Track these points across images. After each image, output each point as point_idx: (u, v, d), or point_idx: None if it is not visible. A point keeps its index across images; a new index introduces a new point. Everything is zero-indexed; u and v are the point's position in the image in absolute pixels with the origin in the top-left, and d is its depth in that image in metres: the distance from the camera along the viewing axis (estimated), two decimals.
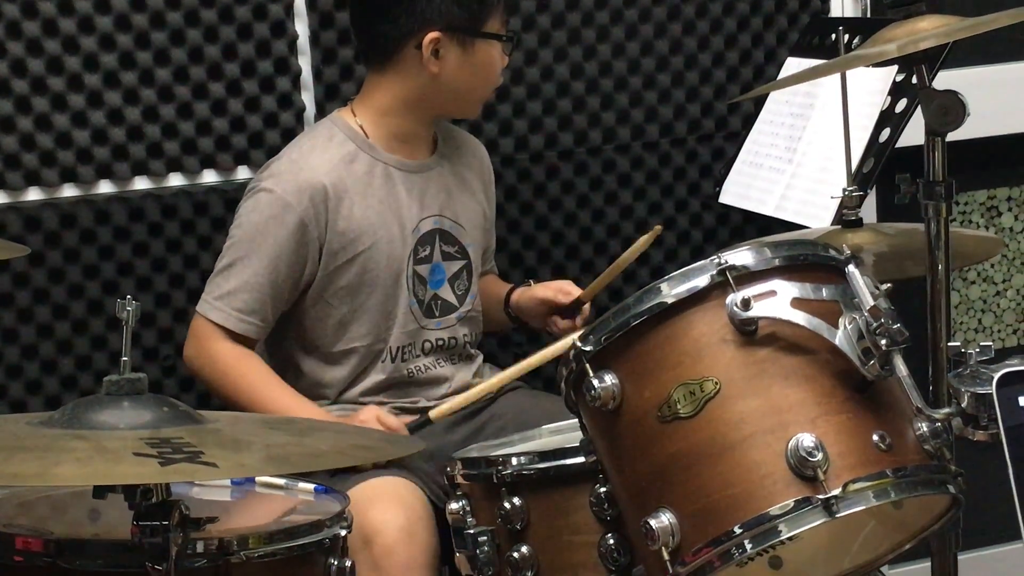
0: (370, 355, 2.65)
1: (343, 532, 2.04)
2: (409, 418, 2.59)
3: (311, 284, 2.61)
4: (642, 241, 2.76)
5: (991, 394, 1.72)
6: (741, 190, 3.09)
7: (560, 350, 2.59)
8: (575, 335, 2.57)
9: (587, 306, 2.75)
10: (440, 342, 2.70)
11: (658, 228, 2.78)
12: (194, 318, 2.63)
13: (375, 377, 2.65)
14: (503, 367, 2.84)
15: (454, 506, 2.18)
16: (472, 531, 2.13)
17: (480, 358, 2.81)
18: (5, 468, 1.47)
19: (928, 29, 2.04)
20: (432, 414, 2.56)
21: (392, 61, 2.62)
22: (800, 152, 2.96)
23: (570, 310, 2.74)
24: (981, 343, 1.86)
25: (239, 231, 2.61)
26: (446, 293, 2.71)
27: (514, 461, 2.12)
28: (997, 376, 1.65)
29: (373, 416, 2.51)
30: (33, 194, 2.85)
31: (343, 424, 2.33)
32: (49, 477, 1.48)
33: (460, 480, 2.19)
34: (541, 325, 2.81)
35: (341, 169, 2.61)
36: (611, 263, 2.86)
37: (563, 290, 2.77)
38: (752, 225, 3.20)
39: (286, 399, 2.56)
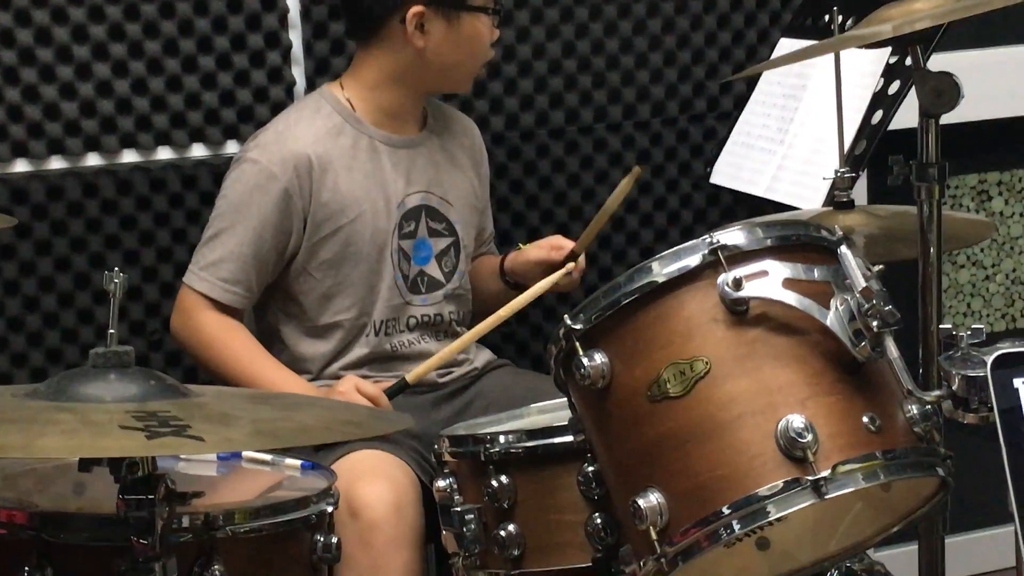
0: (354, 329, 2.64)
1: (329, 508, 2.04)
2: (386, 384, 2.57)
3: (296, 255, 2.60)
4: (624, 184, 2.72)
5: (983, 376, 1.71)
6: (732, 171, 3.08)
7: (524, 302, 2.59)
8: (538, 285, 2.60)
9: (582, 257, 2.72)
10: (425, 318, 2.70)
11: (637, 169, 2.74)
12: (180, 289, 2.63)
13: (358, 351, 2.65)
14: (495, 351, 2.83)
15: (441, 483, 2.17)
16: (459, 509, 2.13)
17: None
18: None
19: (924, 10, 2.03)
20: (409, 377, 2.55)
21: (377, 36, 2.61)
22: (792, 133, 2.95)
23: (565, 264, 2.71)
24: (972, 326, 1.85)
25: (224, 202, 2.61)
26: (432, 269, 2.70)
27: (502, 439, 2.11)
28: (992, 358, 1.64)
29: (351, 385, 2.50)
30: (20, 166, 2.83)
31: (329, 399, 2.33)
32: (34, 449, 1.46)
33: (447, 457, 2.18)
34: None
35: (327, 141, 2.61)
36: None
37: (555, 245, 2.74)
38: (743, 206, 3.18)
39: (270, 371, 2.56)
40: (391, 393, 2.52)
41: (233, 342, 2.58)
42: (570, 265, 2.67)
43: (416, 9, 2.56)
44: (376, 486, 2.37)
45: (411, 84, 2.66)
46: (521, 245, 2.85)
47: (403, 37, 2.59)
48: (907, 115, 2.66)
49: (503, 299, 2.76)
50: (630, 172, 2.74)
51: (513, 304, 2.58)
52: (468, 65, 2.68)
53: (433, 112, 2.77)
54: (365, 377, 2.61)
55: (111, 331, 1.69)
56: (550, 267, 2.73)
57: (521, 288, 2.75)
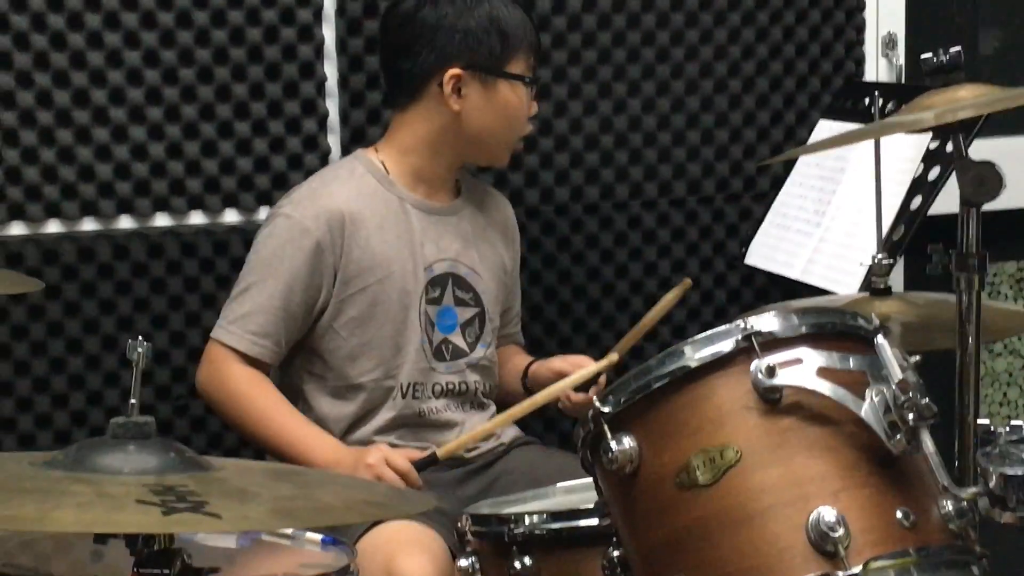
0: (379, 391, 2.62)
1: None
2: (414, 453, 2.54)
3: (324, 311, 2.59)
4: (669, 298, 2.69)
5: (1022, 475, 1.67)
6: (768, 252, 3.06)
7: (562, 388, 2.57)
8: (578, 373, 2.58)
9: (603, 378, 2.68)
10: (451, 386, 2.68)
11: (687, 282, 2.72)
12: (208, 343, 2.61)
13: (386, 414, 2.62)
14: (522, 428, 2.80)
15: (464, 563, 2.14)
16: None
17: (493, 408, 2.77)
18: (3, 511, 1.43)
19: (966, 98, 2.00)
20: (439, 452, 2.52)
21: (415, 99, 2.63)
22: (829, 216, 2.92)
23: (585, 384, 2.68)
24: (1012, 423, 1.81)
25: (255, 256, 2.61)
26: (457, 338, 2.69)
27: (526, 520, 2.08)
28: None
29: (381, 457, 2.47)
30: (52, 227, 2.83)
31: (352, 476, 2.30)
32: (48, 522, 1.44)
33: (470, 536, 2.15)
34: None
35: (360, 200, 2.62)
36: (633, 321, 2.81)
37: (579, 364, 2.70)
38: (777, 288, 3.16)
39: (298, 427, 2.54)
40: (420, 466, 2.49)
41: (260, 396, 2.57)
42: (613, 357, 2.63)
43: (454, 72, 2.58)
44: (415, 558, 2.34)
45: (446, 150, 2.66)
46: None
47: (440, 100, 2.60)
48: (947, 201, 2.63)
49: (519, 400, 2.73)
50: (678, 284, 2.71)
51: (551, 390, 2.56)
52: (503, 134, 2.67)
53: (467, 185, 2.77)
54: (393, 445, 2.58)
55: (132, 401, 1.67)
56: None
57: None
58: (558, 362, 2.75)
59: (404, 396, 2.63)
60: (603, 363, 2.63)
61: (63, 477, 1.56)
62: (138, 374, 1.69)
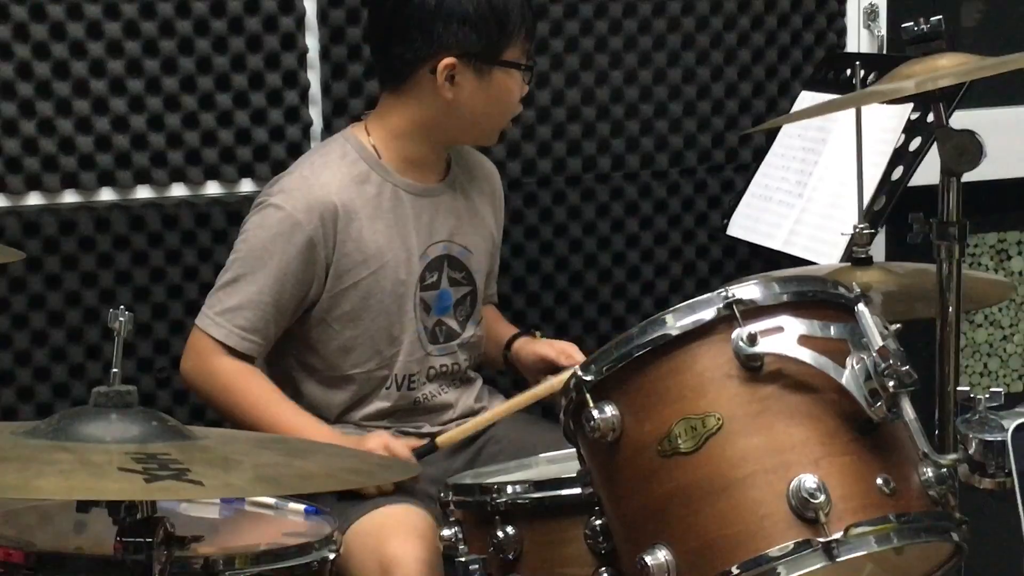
0: (372, 381, 2.60)
1: (331, 555, 2.01)
2: (414, 441, 2.54)
3: (315, 304, 2.57)
4: (556, 381, 2.56)
5: (1002, 441, 1.68)
6: (750, 223, 3.06)
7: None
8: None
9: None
10: (443, 368, 2.66)
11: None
12: (193, 332, 2.56)
13: (379, 404, 2.61)
14: (501, 391, 2.81)
15: (446, 532, 2.15)
16: (464, 559, 2.09)
17: (479, 381, 2.77)
18: None
19: (947, 67, 2.01)
20: (439, 440, 2.52)
21: (407, 84, 2.56)
22: (811, 187, 2.93)
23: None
24: (991, 389, 1.82)
25: (245, 246, 2.54)
26: (449, 319, 2.67)
27: (509, 489, 2.09)
28: (1014, 425, 1.61)
29: (381, 444, 2.46)
30: (33, 199, 2.83)
31: (339, 446, 2.29)
32: (30, 489, 1.44)
33: (453, 507, 2.15)
34: (533, 380, 2.71)
35: (352, 188, 2.56)
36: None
37: (566, 352, 2.69)
38: (759, 259, 3.16)
39: (291, 416, 2.51)
40: (419, 454, 2.49)
41: (251, 388, 2.53)
42: None
43: (447, 61, 2.51)
44: (408, 544, 2.32)
45: (438, 135, 2.62)
46: (538, 334, 2.81)
47: (432, 87, 2.53)
48: (927, 172, 2.64)
49: (494, 366, 2.81)
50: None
51: (554, 382, 2.54)
52: (496, 119, 2.64)
53: (456, 159, 2.73)
54: (386, 428, 2.58)
55: (115, 370, 1.67)
56: (552, 368, 2.68)
57: (514, 370, 2.78)
58: (545, 347, 2.73)
59: (400, 387, 2.62)
60: None
61: (45, 446, 1.57)
62: (120, 343, 1.68)
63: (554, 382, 2.56)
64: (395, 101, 2.60)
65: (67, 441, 1.58)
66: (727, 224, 3.12)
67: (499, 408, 2.61)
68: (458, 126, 2.60)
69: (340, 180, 2.56)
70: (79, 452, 1.53)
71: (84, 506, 1.60)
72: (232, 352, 2.52)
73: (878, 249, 3.20)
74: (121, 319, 1.70)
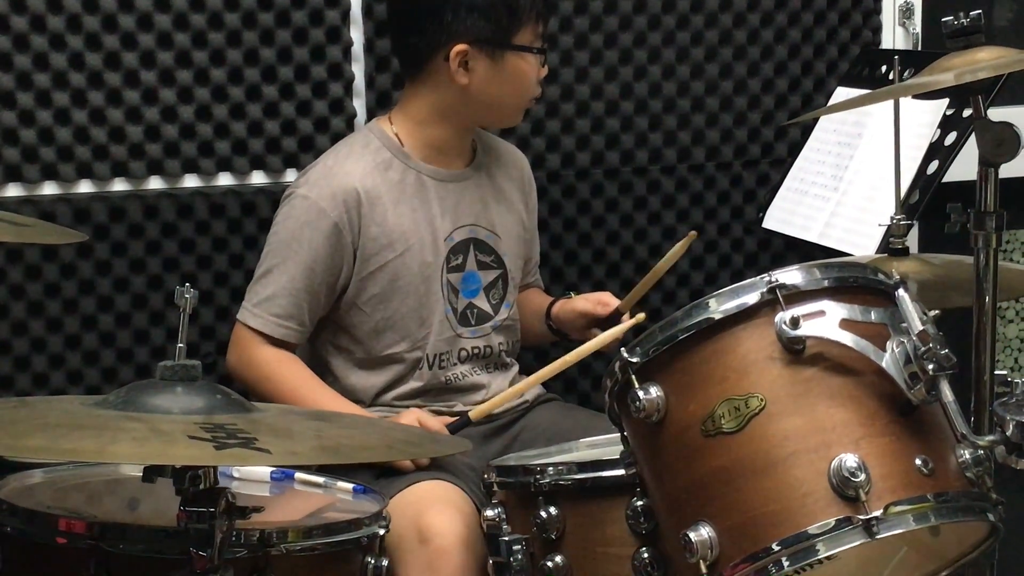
0: (408, 363, 2.66)
1: (381, 531, 2.06)
2: (448, 419, 2.60)
3: (346, 289, 2.63)
4: (677, 248, 2.76)
5: None
6: (785, 216, 3.10)
7: (591, 350, 2.61)
8: (607, 333, 2.63)
9: (626, 315, 2.75)
10: (476, 350, 2.72)
11: (693, 234, 2.77)
12: (235, 326, 2.66)
13: (413, 384, 2.67)
14: (544, 385, 2.85)
15: (490, 513, 2.19)
16: (507, 538, 2.14)
17: (516, 368, 2.82)
18: (63, 444, 1.49)
19: (986, 59, 2.04)
20: (472, 413, 2.58)
21: (423, 72, 2.64)
22: (846, 180, 2.96)
23: (609, 321, 2.74)
24: None
25: (275, 238, 2.64)
26: (481, 302, 2.73)
27: (552, 470, 2.13)
28: None
29: (415, 419, 2.53)
30: (84, 187, 2.88)
31: (387, 422, 2.35)
32: (107, 454, 1.49)
33: (496, 488, 2.20)
34: (581, 337, 2.80)
35: (375, 175, 2.64)
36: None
37: (602, 301, 2.77)
38: (794, 251, 3.20)
39: (329, 402, 2.57)
40: (453, 428, 2.54)
41: (290, 375, 2.61)
42: (640, 316, 2.68)
43: (460, 48, 2.58)
44: (447, 515, 2.37)
45: (457, 119, 2.68)
46: (572, 294, 2.87)
47: (448, 74, 2.61)
48: (961, 167, 2.68)
49: (544, 339, 2.85)
50: (686, 236, 2.77)
51: (581, 350, 2.61)
52: (513, 101, 2.70)
53: (482, 145, 2.79)
54: (419, 407, 2.63)
55: (180, 345, 1.72)
56: (594, 320, 2.77)
57: (563, 335, 2.83)
58: (581, 302, 2.80)
59: (431, 367, 2.67)
60: (629, 323, 2.68)
61: (116, 416, 1.62)
62: (185, 319, 1.74)
63: (581, 350, 2.61)
64: (415, 90, 2.67)
65: (136, 412, 1.63)
66: (763, 217, 3.16)
67: (528, 379, 2.65)
68: (476, 110, 2.67)
69: (363, 168, 2.63)
70: (149, 422, 1.58)
71: (150, 475, 1.65)
72: (271, 341, 2.60)
73: (912, 244, 3.22)
74: (187, 296, 1.76)
